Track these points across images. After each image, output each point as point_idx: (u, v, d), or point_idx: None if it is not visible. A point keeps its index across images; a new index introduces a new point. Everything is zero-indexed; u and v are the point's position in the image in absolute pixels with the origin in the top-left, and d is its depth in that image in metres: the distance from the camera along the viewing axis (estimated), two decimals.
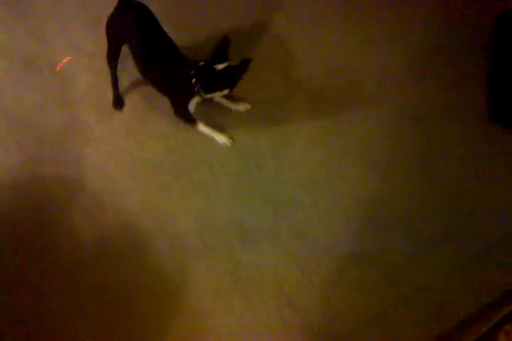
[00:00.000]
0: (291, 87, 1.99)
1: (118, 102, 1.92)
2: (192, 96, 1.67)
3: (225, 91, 1.64)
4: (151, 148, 1.83)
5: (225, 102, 1.89)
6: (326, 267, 1.62)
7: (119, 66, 1.86)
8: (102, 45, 1.95)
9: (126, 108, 1.92)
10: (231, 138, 1.84)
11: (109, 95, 1.92)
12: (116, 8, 1.73)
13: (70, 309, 1.58)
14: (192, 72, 1.59)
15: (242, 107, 1.91)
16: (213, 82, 1.58)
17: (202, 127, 1.80)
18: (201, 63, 1.59)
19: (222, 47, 1.57)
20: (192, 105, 1.71)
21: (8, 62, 2.02)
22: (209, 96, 1.66)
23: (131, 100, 1.94)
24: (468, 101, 2.00)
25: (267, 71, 2.02)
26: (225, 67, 1.54)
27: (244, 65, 1.53)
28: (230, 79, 1.59)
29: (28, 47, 2.07)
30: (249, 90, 1.95)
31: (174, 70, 1.66)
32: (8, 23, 2.13)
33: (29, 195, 1.76)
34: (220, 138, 1.83)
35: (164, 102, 1.87)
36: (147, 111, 1.91)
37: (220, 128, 1.86)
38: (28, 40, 2.08)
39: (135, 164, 1.81)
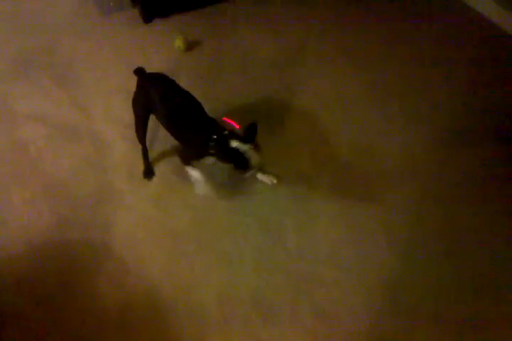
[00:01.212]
0: (317, 164, 2.12)
1: (148, 172, 2.06)
2: (205, 155, 1.74)
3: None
4: (178, 218, 1.93)
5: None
6: None
7: (151, 136, 2.04)
8: None
9: (157, 178, 2.06)
10: (212, 189, 1.93)
11: (141, 165, 2.08)
12: (138, 84, 1.92)
13: None
14: (211, 142, 1.66)
15: (268, 180, 2.03)
16: (226, 154, 1.64)
17: (191, 170, 1.86)
18: (225, 132, 1.66)
19: (250, 133, 1.64)
20: (204, 161, 1.78)
21: (51, 129, 2.23)
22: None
23: (162, 170, 2.08)
24: (495, 189, 2.06)
25: (296, 148, 2.18)
26: (236, 147, 1.60)
27: (251, 134, 1.62)
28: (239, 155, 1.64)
29: (71, 117, 2.28)
30: (277, 165, 2.09)
31: (197, 132, 1.74)
32: (54, 94, 2.38)
33: (57, 257, 1.83)
34: (199, 187, 1.91)
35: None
36: (176, 181, 2.04)
37: (245, 200, 1.98)
38: (70, 111, 2.31)
39: (161, 232, 1.89)
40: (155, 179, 2.06)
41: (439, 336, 1.66)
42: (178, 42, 2.59)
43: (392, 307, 1.70)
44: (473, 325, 1.68)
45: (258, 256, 1.82)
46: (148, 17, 2.81)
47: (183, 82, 2.35)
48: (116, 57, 2.57)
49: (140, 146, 2.05)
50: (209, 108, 2.20)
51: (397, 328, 1.66)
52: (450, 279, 1.79)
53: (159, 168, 2.09)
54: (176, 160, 2.00)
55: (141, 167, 2.08)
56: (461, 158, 2.16)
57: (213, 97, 2.34)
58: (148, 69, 2.27)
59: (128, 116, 2.24)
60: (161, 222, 1.92)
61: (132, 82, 2.37)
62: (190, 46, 2.63)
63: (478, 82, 2.49)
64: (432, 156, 2.17)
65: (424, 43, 2.71)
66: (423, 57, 2.63)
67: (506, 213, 1.98)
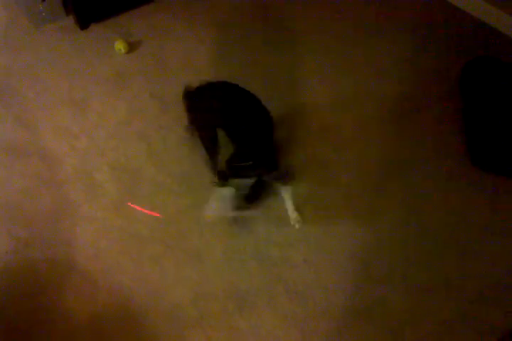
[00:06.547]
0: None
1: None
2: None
3: None
4: (141, 222, 1.98)
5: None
6: (326, 325, 1.70)
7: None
8: (87, 125, 2.25)
9: (114, 184, 2.11)
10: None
11: (96, 174, 2.12)
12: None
13: None
14: None
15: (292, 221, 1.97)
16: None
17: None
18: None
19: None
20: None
21: None
22: None
23: (118, 176, 2.13)
24: (448, 148, 2.23)
25: None
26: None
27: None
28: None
29: (16, 135, 2.29)
30: None
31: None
32: None
33: (21, 280, 1.86)
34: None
35: (151, 177, 2.10)
36: (134, 185, 2.10)
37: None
38: (15, 128, 2.32)
39: (126, 239, 1.94)
40: (112, 187, 2.10)
41: (412, 300, 1.79)
42: (119, 46, 2.63)
43: (366, 280, 1.82)
44: (443, 283, 1.83)
45: (227, 247, 1.90)
46: (83, 23, 2.84)
47: (131, 85, 2.45)
48: (56, 68, 2.59)
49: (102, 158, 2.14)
50: (160, 108, 2.24)
51: (371, 298, 1.78)
52: (416, 242, 1.93)
53: (115, 174, 2.14)
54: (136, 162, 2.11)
55: (95, 178, 2.12)
56: (412, 123, 2.32)
57: (160, 96, 2.41)
58: (93, 76, 2.33)
59: (76, 127, 2.29)
60: (124, 229, 1.97)
61: (76, 90, 2.44)
62: (132, 48, 2.68)
63: (421, 48, 2.66)
64: (385, 125, 2.31)
65: (366, 16, 2.84)
66: (366, 28, 2.77)
67: (460, 172, 2.15)
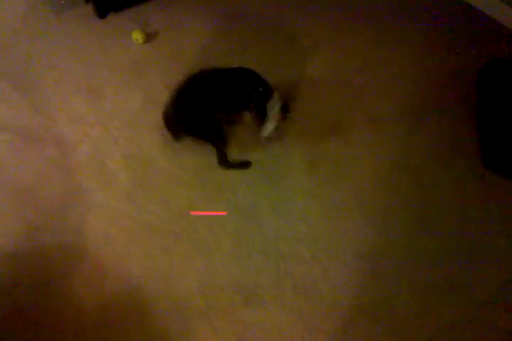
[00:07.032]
0: (288, 145, 2.22)
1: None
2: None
3: None
4: (152, 212, 1.99)
5: None
6: (332, 323, 1.71)
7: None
8: (101, 114, 2.26)
9: (126, 173, 2.12)
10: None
11: (109, 162, 2.14)
12: None
13: None
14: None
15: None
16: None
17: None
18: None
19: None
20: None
21: (11, 135, 2.25)
22: None
23: (130, 165, 2.14)
24: (460, 149, 2.23)
25: None
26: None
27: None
28: None
29: (32, 121, 2.32)
30: (247, 148, 2.18)
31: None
32: (12, 99, 2.40)
33: (31, 264, 1.88)
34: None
35: (163, 167, 2.11)
36: (146, 175, 2.11)
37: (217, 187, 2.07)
38: (31, 115, 2.34)
39: (136, 228, 1.96)
40: (124, 176, 2.11)
41: (419, 301, 1.79)
42: (136, 35, 2.64)
43: (373, 279, 1.82)
44: (450, 285, 1.83)
45: (236, 240, 1.91)
46: (102, 12, 2.85)
47: (147, 75, 2.46)
48: (74, 56, 2.61)
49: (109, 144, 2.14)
50: None
51: (378, 298, 1.78)
52: (424, 244, 1.93)
53: (128, 164, 2.15)
54: (147, 153, 2.12)
55: (108, 166, 2.14)
56: (425, 124, 2.32)
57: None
58: (110, 64, 2.35)
59: (91, 115, 2.31)
60: (135, 218, 1.99)
61: (93, 80, 2.45)
62: (149, 38, 2.68)
63: (437, 49, 2.65)
64: (399, 125, 2.31)
65: (381, 18, 2.83)
66: (381, 30, 2.75)
67: (472, 175, 2.14)
